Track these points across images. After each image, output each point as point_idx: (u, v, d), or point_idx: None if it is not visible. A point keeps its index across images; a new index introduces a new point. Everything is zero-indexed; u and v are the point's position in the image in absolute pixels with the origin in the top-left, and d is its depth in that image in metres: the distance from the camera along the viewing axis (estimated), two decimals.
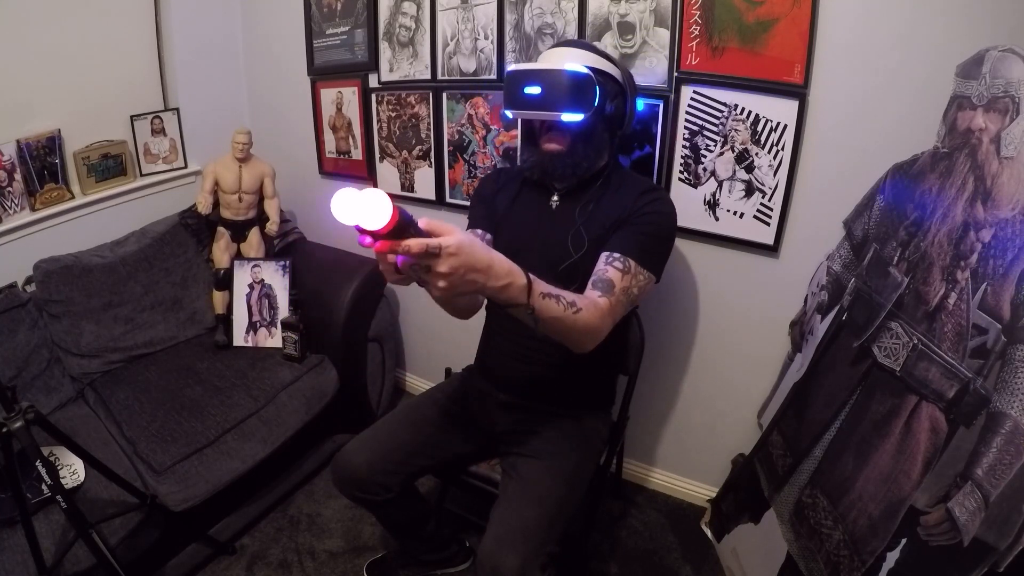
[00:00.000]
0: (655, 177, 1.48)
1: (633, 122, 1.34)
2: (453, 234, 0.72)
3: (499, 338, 1.32)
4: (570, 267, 1.15)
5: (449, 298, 0.77)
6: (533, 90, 1.11)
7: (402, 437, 1.25)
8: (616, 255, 1.07)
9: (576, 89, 1.09)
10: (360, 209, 0.64)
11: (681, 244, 1.53)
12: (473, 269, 0.74)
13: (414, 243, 0.69)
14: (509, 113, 1.18)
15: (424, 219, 0.73)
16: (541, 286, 0.86)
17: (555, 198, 1.22)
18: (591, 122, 1.12)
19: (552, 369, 1.24)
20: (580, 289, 1.05)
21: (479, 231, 1.27)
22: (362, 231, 0.67)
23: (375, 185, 2.06)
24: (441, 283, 0.73)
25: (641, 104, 1.43)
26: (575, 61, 1.11)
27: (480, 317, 1.38)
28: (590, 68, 1.10)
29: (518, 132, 1.66)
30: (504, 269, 0.80)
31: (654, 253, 1.11)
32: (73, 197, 1.88)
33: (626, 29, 1.42)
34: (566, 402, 1.27)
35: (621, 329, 1.31)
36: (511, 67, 1.17)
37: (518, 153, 1.68)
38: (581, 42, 1.25)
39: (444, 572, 1.53)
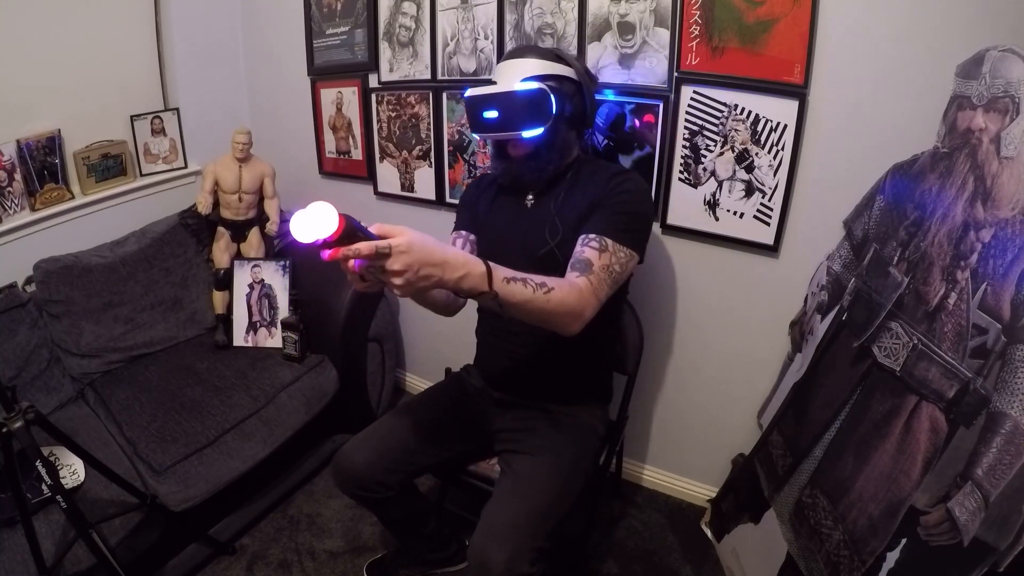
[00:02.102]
0: (655, 177, 1.48)
1: (597, 111, 1.41)
2: (404, 234, 0.77)
3: (491, 337, 1.34)
4: (548, 255, 1.18)
5: (411, 294, 0.81)
6: (491, 114, 1.16)
7: (402, 435, 1.25)
8: (591, 236, 1.09)
9: (531, 106, 1.13)
10: (310, 222, 0.69)
11: (681, 244, 1.53)
12: (427, 263, 0.78)
13: (363, 246, 0.73)
14: (474, 136, 1.22)
15: (377, 224, 0.77)
16: (502, 271, 0.89)
17: (530, 197, 1.26)
18: (552, 127, 1.15)
19: (544, 365, 1.25)
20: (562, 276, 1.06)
21: (464, 233, 1.33)
22: (320, 246, 0.72)
23: (375, 185, 2.06)
24: (397, 280, 0.77)
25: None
26: (527, 72, 1.14)
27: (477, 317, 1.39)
28: (542, 76, 1.14)
29: None
30: (459, 261, 0.83)
31: (630, 230, 1.12)
32: (73, 197, 1.88)
33: (626, 29, 1.42)
34: (560, 398, 1.28)
35: (612, 322, 1.33)
36: (468, 92, 1.20)
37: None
38: (529, 48, 1.26)
39: (444, 571, 1.54)
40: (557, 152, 1.20)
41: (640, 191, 1.18)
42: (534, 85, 1.12)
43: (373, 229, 0.76)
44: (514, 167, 1.22)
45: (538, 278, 0.93)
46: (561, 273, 1.07)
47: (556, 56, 1.19)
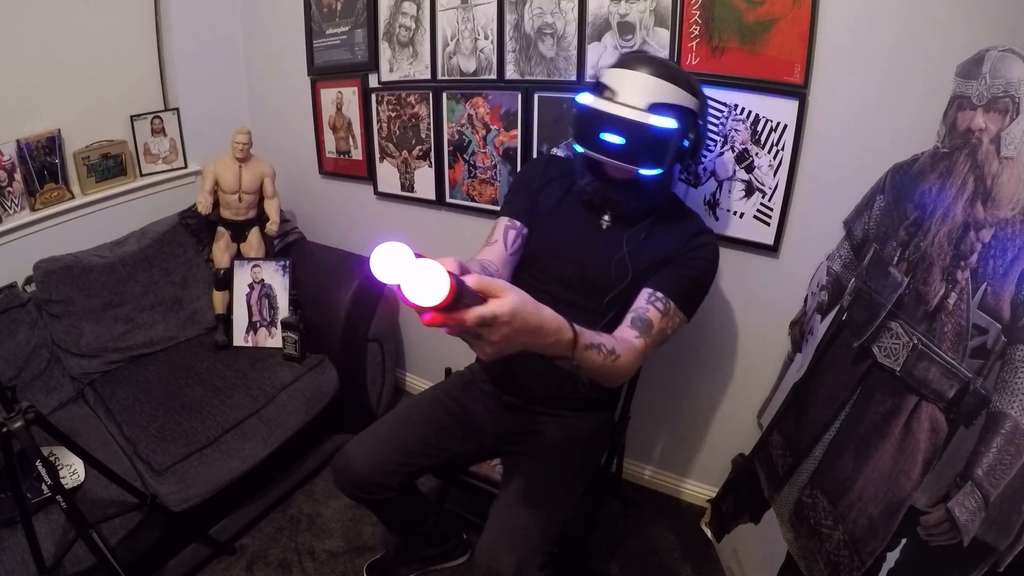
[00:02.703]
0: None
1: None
2: (506, 297, 0.67)
3: None
4: (603, 288, 1.14)
5: (496, 357, 0.72)
6: (614, 139, 1.01)
7: (403, 436, 1.25)
8: (659, 295, 1.06)
9: (660, 144, 1.01)
10: (411, 281, 0.58)
11: None
12: (525, 332, 0.71)
13: (470, 317, 0.64)
14: (580, 149, 1.09)
15: (473, 276, 0.66)
16: (585, 338, 0.83)
17: (607, 218, 1.16)
18: (669, 165, 1.07)
19: (555, 374, 1.23)
20: (617, 317, 1.05)
21: (517, 224, 1.20)
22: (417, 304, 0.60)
23: (375, 185, 2.06)
24: (489, 349, 0.70)
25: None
26: (660, 97, 1.00)
27: None
28: (673, 108, 1.01)
29: (518, 133, 1.66)
30: (553, 327, 0.76)
31: (694, 298, 1.10)
32: (73, 197, 1.88)
33: (626, 29, 1.42)
34: (569, 403, 1.27)
35: None
36: (586, 100, 1.04)
37: (518, 152, 1.68)
38: (658, 63, 1.06)
39: (443, 566, 1.54)
40: (661, 187, 1.12)
41: (715, 260, 1.13)
42: (671, 123, 0.99)
43: (471, 282, 0.65)
44: (609, 190, 1.11)
45: (608, 343, 0.90)
46: (617, 313, 1.06)
47: (679, 79, 1.04)
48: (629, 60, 1.07)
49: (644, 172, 1.04)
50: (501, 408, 1.29)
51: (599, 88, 1.05)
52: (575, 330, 0.81)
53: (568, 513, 1.15)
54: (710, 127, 1.38)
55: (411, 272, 0.57)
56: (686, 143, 1.06)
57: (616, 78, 1.03)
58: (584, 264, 1.16)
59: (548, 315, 0.76)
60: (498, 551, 1.02)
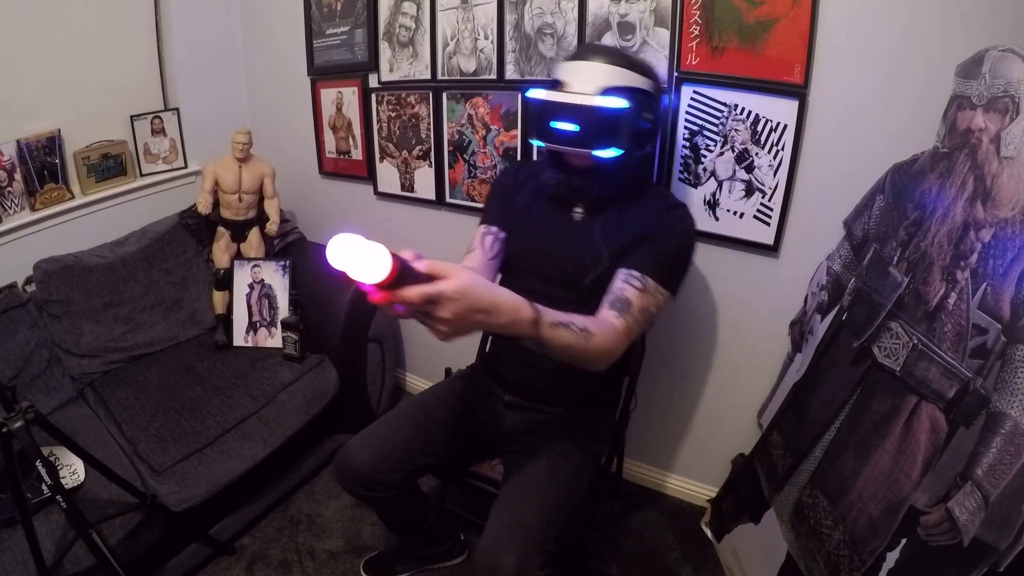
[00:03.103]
0: (655, 177, 1.48)
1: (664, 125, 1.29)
2: (454, 277, 0.69)
3: (505, 341, 1.32)
4: (580, 277, 1.14)
5: (451, 339, 0.74)
6: (565, 126, 1.04)
7: (405, 434, 1.25)
8: (635, 273, 1.05)
9: (612, 125, 1.03)
10: (358, 262, 0.62)
11: None
12: (477, 310, 0.72)
13: (414, 293, 0.66)
14: (536, 142, 1.12)
15: (424, 261, 0.69)
16: (549, 316, 0.84)
17: (578, 210, 1.18)
18: (627, 147, 1.08)
19: (559, 372, 1.22)
20: (597, 302, 1.04)
21: (494, 229, 1.23)
22: (364, 286, 0.65)
23: (375, 185, 2.06)
24: (443, 327, 0.71)
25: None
26: (607, 82, 1.03)
27: None
28: (624, 89, 1.04)
29: (518, 133, 1.66)
30: (509, 306, 0.78)
31: (673, 272, 1.09)
32: (73, 197, 1.88)
33: (626, 29, 1.42)
34: (572, 403, 1.27)
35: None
36: (535, 94, 1.08)
37: (518, 152, 1.68)
38: (606, 51, 1.13)
39: (441, 566, 1.54)
40: (624, 170, 1.12)
41: (690, 232, 1.13)
42: (621, 102, 1.01)
43: (421, 266, 0.68)
44: (574, 179, 1.13)
45: (580, 321, 0.90)
46: (589, 295, 1.06)
47: (631, 63, 1.08)
48: (579, 52, 1.12)
49: (600, 154, 1.05)
50: (502, 407, 1.29)
51: (554, 83, 1.09)
52: (536, 309, 0.82)
53: (568, 512, 1.15)
54: (710, 127, 1.38)
55: (355, 252, 0.61)
56: (646, 124, 1.09)
57: (567, 71, 1.08)
58: (561, 258, 1.17)
59: (503, 294, 0.78)
60: (499, 549, 1.02)
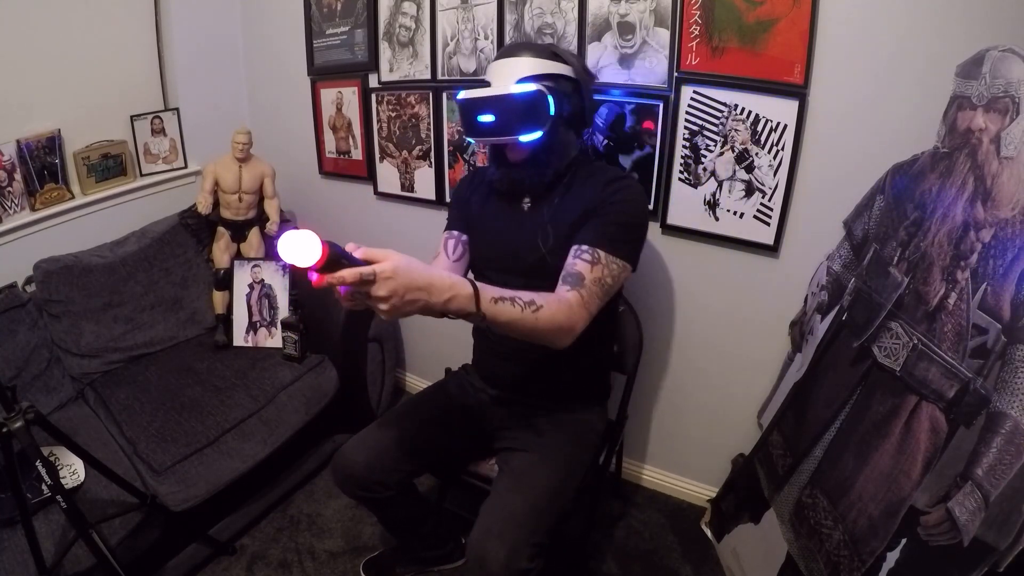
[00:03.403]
0: (655, 177, 1.48)
1: (597, 111, 1.39)
2: (388, 259, 0.76)
3: (487, 337, 1.34)
4: (538, 262, 1.16)
5: (396, 317, 0.81)
6: (486, 118, 1.12)
7: (401, 435, 1.25)
8: (584, 247, 1.07)
9: (528, 109, 1.09)
10: (295, 248, 0.69)
11: (681, 244, 1.53)
12: (413, 288, 0.78)
13: (347, 273, 0.73)
14: (470, 140, 1.18)
15: (362, 249, 0.77)
16: (489, 291, 0.87)
17: (526, 200, 1.23)
18: (550, 129, 1.12)
19: (539, 365, 1.25)
20: (553, 286, 1.04)
21: (456, 233, 1.30)
22: (305, 271, 0.72)
23: (375, 185, 2.06)
24: (383, 306, 0.78)
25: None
26: (522, 72, 1.10)
27: None
28: (538, 76, 1.10)
29: None
30: (446, 284, 0.82)
31: (624, 241, 1.10)
32: (73, 197, 1.88)
33: (626, 29, 1.42)
34: (557, 396, 1.28)
35: (607, 323, 1.31)
36: (461, 95, 1.16)
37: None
38: (523, 46, 1.19)
39: (441, 569, 1.54)
40: (556, 155, 1.17)
41: (635, 199, 1.15)
42: (531, 87, 1.09)
43: (358, 254, 0.76)
44: (513, 172, 1.18)
45: (526, 295, 0.92)
46: (553, 281, 1.06)
47: (552, 53, 1.15)
48: (501, 51, 1.19)
49: (523, 139, 1.11)
50: (492, 403, 1.31)
51: (484, 84, 1.15)
52: (476, 286, 0.86)
53: (560, 503, 1.14)
54: (710, 127, 1.38)
55: (293, 242, 0.69)
56: (568, 108, 1.14)
57: (490, 72, 1.15)
58: (516, 248, 1.20)
59: (437, 273, 0.83)
60: (488, 541, 1.03)
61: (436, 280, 0.81)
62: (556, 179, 1.19)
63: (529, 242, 1.18)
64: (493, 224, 1.26)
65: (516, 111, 1.09)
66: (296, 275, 1.93)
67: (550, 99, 1.10)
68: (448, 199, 1.89)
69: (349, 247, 0.76)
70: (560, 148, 1.17)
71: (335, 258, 0.73)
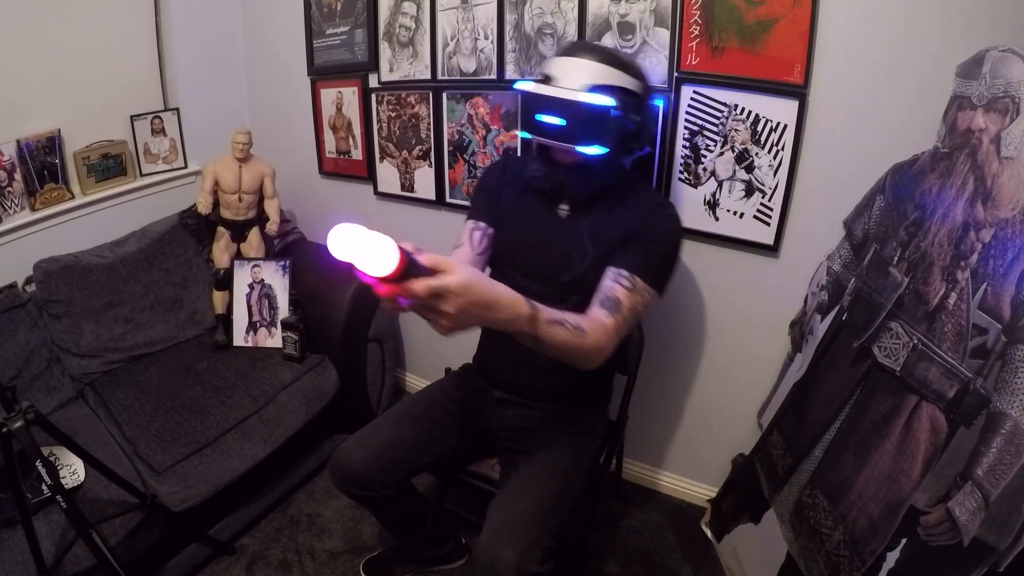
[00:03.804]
0: (655, 177, 1.48)
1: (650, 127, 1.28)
2: (457, 272, 0.70)
3: (492, 338, 1.33)
4: (572, 279, 1.14)
5: (453, 333, 0.75)
6: (551, 119, 1.05)
7: (400, 434, 1.25)
8: (624, 272, 1.05)
9: (596, 121, 1.04)
10: (363, 254, 0.61)
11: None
12: (478, 305, 0.73)
13: (420, 287, 0.66)
14: (524, 135, 1.12)
15: (427, 255, 0.69)
16: (545, 313, 0.85)
17: (564, 207, 1.18)
18: (612, 145, 1.08)
19: (547, 368, 1.23)
20: (584, 300, 1.04)
21: (482, 224, 1.24)
22: (368, 278, 0.65)
23: (375, 185, 2.06)
24: (445, 322, 0.72)
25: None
26: (593, 79, 1.04)
27: None
28: (610, 88, 1.04)
29: (519, 133, 1.66)
30: (507, 301, 0.79)
31: (660, 271, 1.10)
32: (73, 197, 1.88)
33: (626, 29, 1.42)
34: (562, 399, 1.28)
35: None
36: (524, 86, 1.09)
37: (518, 151, 1.68)
38: (594, 48, 1.14)
39: (440, 569, 1.54)
40: (608, 168, 1.12)
41: (677, 231, 1.13)
42: (606, 100, 1.02)
43: (424, 260, 0.68)
44: (559, 175, 1.13)
45: (574, 319, 0.91)
46: (579, 294, 1.06)
47: (620, 62, 1.08)
48: (570, 48, 1.11)
49: (584, 151, 1.05)
50: (496, 404, 1.30)
51: (542, 78, 1.09)
52: (533, 306, 0.83)
53: (566, 507, 1.15)
54: (710, 127, 1.38)
55: (362, 244, 0.61)
56: (630, 125, 1.09)
57: (556, 65, 1.08)
58: (546, 255, 1.17)
59: (502, 290, 0.78)
60: (498, 545, 1.03)
61: (500, 297, 0.78)
62: (601, 192, 1.15)
63: (563, 254, 1.15)
64: (526, 226, 1.21)
65: (585, 121, 1.03)
66: (296, 276, 1.93)
67: (619, 114, 1.05)
68: (448, 199, 1.89)
69: (405, 246, 0.68)
70: (612, 162, 1.13)
71: (407, 268, 0.65)
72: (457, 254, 1.21)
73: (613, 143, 1.07)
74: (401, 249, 0.63)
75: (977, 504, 0.83)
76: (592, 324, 0.95)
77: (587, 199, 1.15)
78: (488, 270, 1.27)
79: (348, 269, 0.63)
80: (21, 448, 1.07)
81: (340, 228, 0.62)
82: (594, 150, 1.06)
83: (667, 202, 1.18)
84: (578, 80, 1.04)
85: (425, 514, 1.41)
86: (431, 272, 0.68)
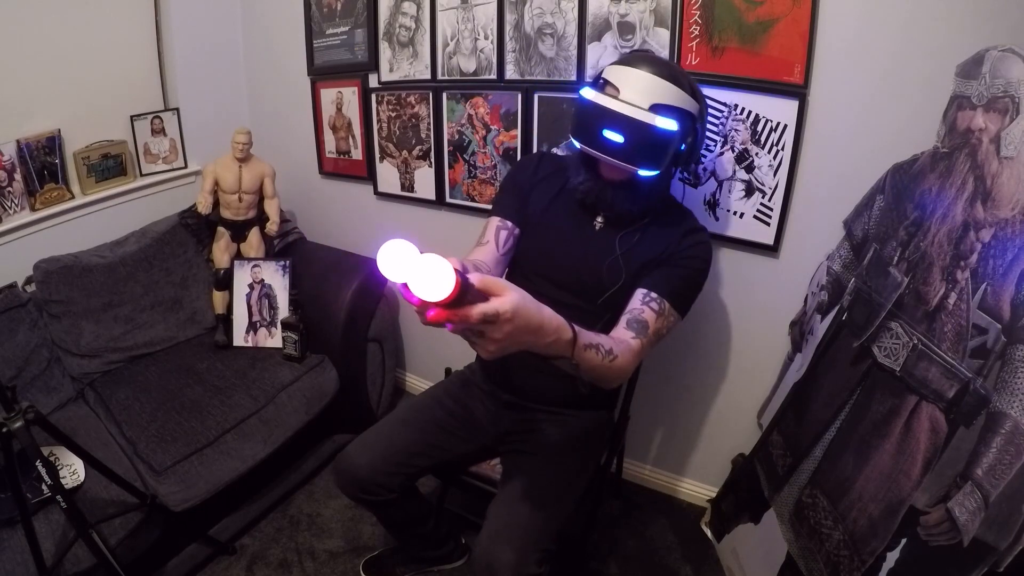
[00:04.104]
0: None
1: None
2: (508, 295, 0.67)
3: None
4: (605, 303, 1.13)
5: (498, 357, 0.72)
6: (614, 136, 0.99)
7: (403, 438, 1.25)
8: (653, 295, 1.05)
9: (660, 145, 1.00)
10: (417, 276, 0.58)
11: None
12: (527, 331, 0.71)
13: (475, 313, 0.64)
14: (578, 144, 1.06)
15: (476, 275, 0.66)
16: (584, 338, 0.84)
17: (600, 219, 1.15)
18: (666, 167, 1.06)
19: (552, 372, 1.22)
20: (614, 319, 1.05)
21: (508, 224, 1.19)
22: (420, 301, 0.61)
23: (375, 185, 2.06)
24: (492, 347, 0.70)
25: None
26: (662, 98, 0.99)
27: None
28: (674, 109, 1.00)
29: (518, 133, 1.66)
30: (553, 326, 0.77)
31: (687, 297, 1.10)
32: (73, 197, 1.88)
33: (626, 29, 1.42)
34: (568, 403, 1.27)
35: None
36: (589, 95, 1.01)
37: (518, 151, 1.68)
38: (663, 64, 1.05)
39: (440, 568, 1.54)
40: (655, 189, 1.10)
41: (708, 259, 1.12)
42: (672, 125, 0.98)
43: (474, 280, 0.65)
44: (605, 190, 1.09)
45: (606, 343, 0.90)
46: (612, 315, 1.07)
47: (683, 82, 1.03)
48: (633, 58, 1.05)
49: (643, 173, 1.03)
50: (499, 407, 1.30)
51: (602, 84, 1.03)
52: (575, 330, 0.81)
53: (567, 510, 1.15)
54: (710, 127, 1.38)
55: (418, 268, 0.58)
56: (683, 147, 1.06)
57: (620, 75, 1.01)
58: (577, 266, 1.15)
59: (548, 314, 0.76)
60: (496, 546, 1.03)
61: (546, 323, 0.75)
62: (644, 215, 1.12)
63: (593, 267, 1.13)
64: (556, 231, 1.17)
65: (648, 143, 0.99)
66: (296, 276, 1.93)
67: (679, 138, 1.02)
68: (448, 199, 1.89)
69: (458, 265, 0.64)
70: (659, 184, 1.10)
71: (463, 293, 0.62)
72: (480, 252, 1.16)
73: (666, 166, 1.05)
74: (457, 272, 0.59)
75: (977, 504, 0.83)
76: (622, 348, 0.94)
77: (630, 219, 1.13)
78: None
79: (390, 289, 0.60)
80: (21, 448, 1.07)
81: (391, 245, 0.59)
82: (651, 173, 1.03)
83: (701, 227, 1.15)
84: (644, 97, 0.98)
85: (427, 516, 1.40)
86: (483, 295, 0.66)
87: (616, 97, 0.99)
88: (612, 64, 1.05)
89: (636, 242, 1.12)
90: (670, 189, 1.22)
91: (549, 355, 0.80)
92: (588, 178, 1.11)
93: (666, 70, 1.01)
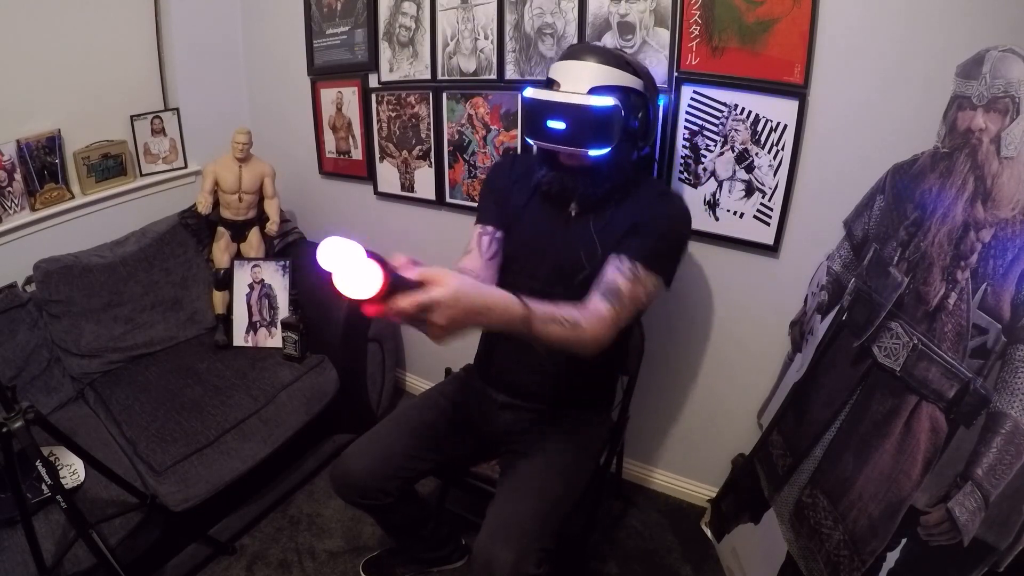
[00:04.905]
0: (654, 177, 1.48)
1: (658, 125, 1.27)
2: (446, 283, 0.71)
3: (494, 340, 1.32)
4: (585, 281, 1.13)
5: (448, 342, 0.76)
6: (557, 125, 1.05)
7: (401, 441, 1.24)
8: (624, 260, 1.06)
9: (602, 123, 1.04)
10: (346, 277, 0.63)
11: None
12: (471, 313, 0.75)
13: (407, 304, 0.68)
14: (530, 141, 1.13)
15: (417, 269, 0.71)
16: (539, 311, 0.87)
17: (573, 206, 1.17)
18: (617, 145, 1.08)
19: (552, 372, 1.23)
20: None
21: (490, 229, 1.22)
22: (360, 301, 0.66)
23: (375, 185, 2.06)
24: (438, 331, 0.73)
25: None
26: (597, 80, 1.04)
27: None
28: (614, 88, 1.05)
29: (518, 133, 1.66)
30: (501, 306, 0.81)
31: (663, 257, 1.10)
32: (73, 197, 1.88)
33: (626, 29, 1.42)
34: (566, 402, 1.27)
35: (623, 331, 1.30)
36: (529, 93, 1.09)
37: (518, 150, 1.68)
38: (597, 50, 1.12)
39: (440, 569, 1.54)
40: (614, 169, 1.12)
41: (680, 215, 1.13)
42: (609, 101, 1.03)
43: (412, 274, 0.70)
44: (566, 179, 1.12)
45: (570, 315, 0.92)
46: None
47: (622, 62, 1.08)
48: (572, 51, 1.12)
49: (593, 153, 1.06)
50: (497, 407, 1.29)
51: (548, 82, 1.09)
52: (526, 306, 0.84)
53: (565, 510, 1.15)
54: (710, 127, 1.38)
55: (345, 266, 0.63)
56: (635, 124, 1.09)
57: (560, 70, 1.09)
58: (558, 256, 1.17)
59: (494, 295, 0.81)
60: (495, 546, 1.02)
61: (492, 302, 0.79)
62: (610, 194, 1.14)
63: (572, 254, 1.14)
64: (534, 226, 1.20)
65: (590, 123, 1.04)
66: (296, 276, 1.93)
67: (624, 114, 1.05)
68: (448, 199, 1.89)
69: (399, 260, 0.70)
70: (618, 162, 1.12)
71: (392, 287, 0.66)
72: (467, 260, 1.20)
73: (617, 143, 1.07)
74: (385, 271, 0.64)
75: (977, 504, 0.83)
76: (589, 316, 0.96)
77: (596, 200, 1.15)
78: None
79: (330, 283, 0.65)
80: (21, 448, 1.07)
81: (329, 243, 0.64)
82: (601, 151, 1.06)
83: (670, 190, 1.18)
84: (581, 83, 1.05)
85: (426, 518, 1.40)
86: (419, 285, 0.70)
87: (556, 90, 1.07)
88: (555, 61, 1.13)
89: (609, 219, 1.14)
90: (640, 169, 1.24)
91: (510, 333, 0.84)
92: (549, 170, 1.15)
93: (604, 56, 1.07)
